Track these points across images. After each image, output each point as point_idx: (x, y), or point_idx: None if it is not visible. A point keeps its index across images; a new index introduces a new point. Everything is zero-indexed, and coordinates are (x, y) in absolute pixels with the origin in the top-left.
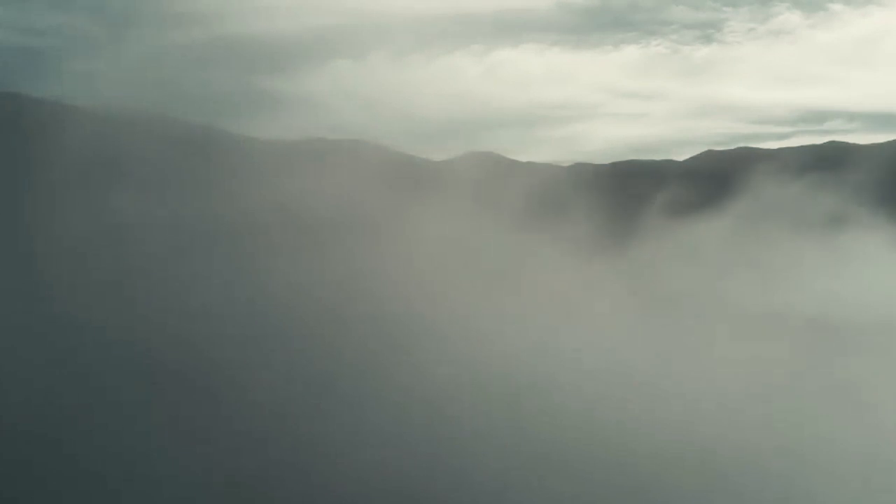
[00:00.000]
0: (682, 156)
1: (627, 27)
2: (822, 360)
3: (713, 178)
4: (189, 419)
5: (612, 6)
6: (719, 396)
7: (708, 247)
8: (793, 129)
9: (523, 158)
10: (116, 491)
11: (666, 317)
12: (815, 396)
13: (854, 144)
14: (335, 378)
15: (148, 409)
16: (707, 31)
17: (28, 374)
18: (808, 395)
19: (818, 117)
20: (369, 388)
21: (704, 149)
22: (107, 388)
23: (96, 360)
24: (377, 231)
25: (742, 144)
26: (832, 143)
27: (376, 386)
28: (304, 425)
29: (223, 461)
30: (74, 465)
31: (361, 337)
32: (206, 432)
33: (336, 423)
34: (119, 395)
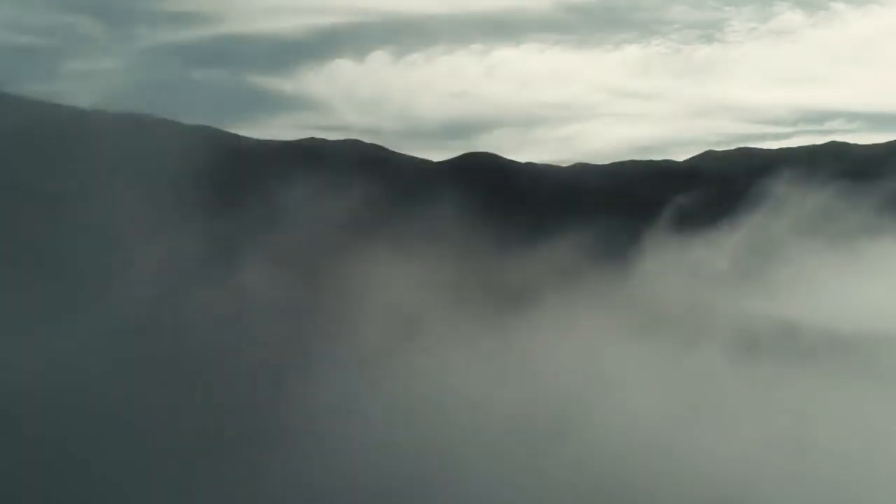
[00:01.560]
0: (682, 156)
1: (628, 27)
2: (840, 383)
3: (720, 185)
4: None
5: (613, 5)
6: (727, 430)
7: (717, 260)
8: (793, 130)
9: (523, 158)
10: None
11: (670, 338)
12: (832, 425)
13: (854, 145)
14: (336, 390)
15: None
16: (708, 31)
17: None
18: (827, 426)
19: (819, 117)
20: (366, 397)
21: (705, 149)
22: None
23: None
24: (373, 240)
25: (742, 145)
26: (833, 143)
27: (373, 395)
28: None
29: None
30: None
31: (357, 351)
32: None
33: (332, 437)
34: (113, 395)
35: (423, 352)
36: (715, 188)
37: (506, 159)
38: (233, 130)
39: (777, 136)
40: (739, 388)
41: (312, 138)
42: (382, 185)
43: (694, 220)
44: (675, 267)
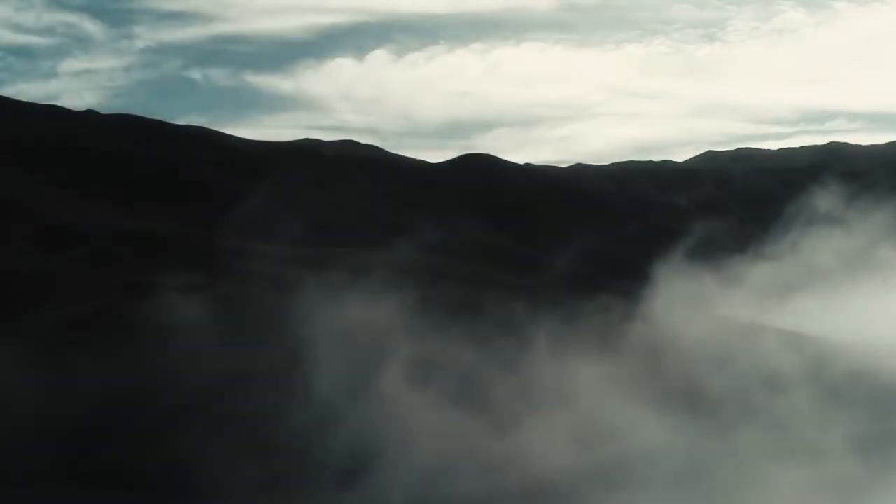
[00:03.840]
0: (682, 156)
1: (629, 26)
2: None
3: (747, 207)
4: None
5: (614, 4)
6: None
7: (739, 293)
8: (794, 130)
9: (522, 159)
10: None
11: (682, 394)
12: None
13: (856, 145)
14: (286, 434)
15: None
16: (710, 30)
17: None
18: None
19: (820, 117)
20: (319, 447)
21: (705, 149)
22: None
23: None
24: (341, 256)
25: (743, 145)
26: (834, 143)
27: (326, 444)
28: None
29: None
30: None
31: (312, 390)
32: None
33: None
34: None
35: (381, 397)
36: (744, 210)
37: (504, 161)
38: (229, 131)
39: (778, 136)
40: (765, 471)
41: (307, 139)
42: (372, 189)
43: (715, 246)
44: (690, 301)
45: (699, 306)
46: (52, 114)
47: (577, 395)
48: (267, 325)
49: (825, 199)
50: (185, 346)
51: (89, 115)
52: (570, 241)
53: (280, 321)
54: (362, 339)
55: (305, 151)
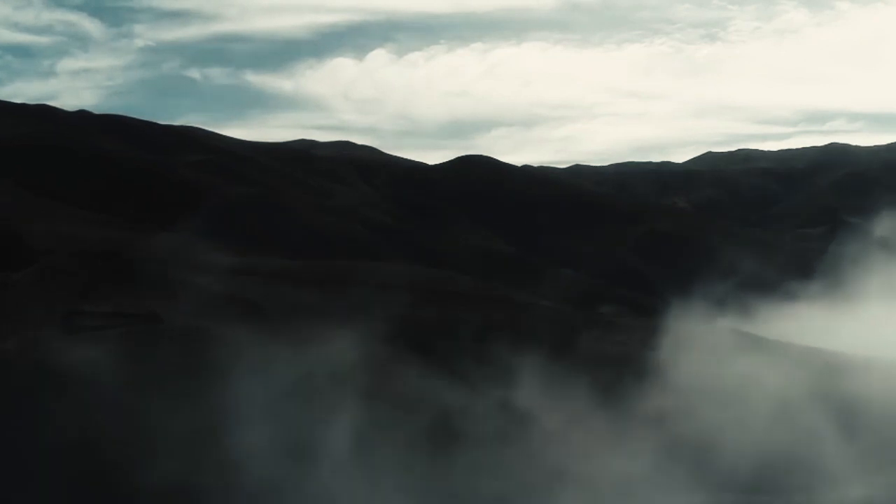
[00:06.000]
0: (681, 157)
1: (631, 26)
2: None
3: (743, 206)
4: None
5: (616, 4)
6: None
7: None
8: (794, 130)
9: (521, 160)
10: None
11: (694, 455)
12: None
13: (856, 147)
14: None
15: None
16: (712, 30)
17: None
18: None
19: (821, 117)
20: None
21: (705, 150)
22: None
23: None
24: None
25: (743, 145)
26: (834, 144)
27: None
28: None
29: None
30: None
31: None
32: None
33: None
34: None
35: (332, 465)
36: (745, 211)
37: (502, 162)
38: (228, 131)
39: (778, 137)
40: None
41: (302, 140)
42: (367, 192)
43: (718, 251)
44: (694, 317)
45: (704, 323)
46: (43, 114)
47: (572, 454)
48: (198, 368)
49: (828, 201)
50: (94, 401)
51: (79, 117)
52: (569, 245)
53: (217, 362)
54: (313, 388)
55: (299, 152)
